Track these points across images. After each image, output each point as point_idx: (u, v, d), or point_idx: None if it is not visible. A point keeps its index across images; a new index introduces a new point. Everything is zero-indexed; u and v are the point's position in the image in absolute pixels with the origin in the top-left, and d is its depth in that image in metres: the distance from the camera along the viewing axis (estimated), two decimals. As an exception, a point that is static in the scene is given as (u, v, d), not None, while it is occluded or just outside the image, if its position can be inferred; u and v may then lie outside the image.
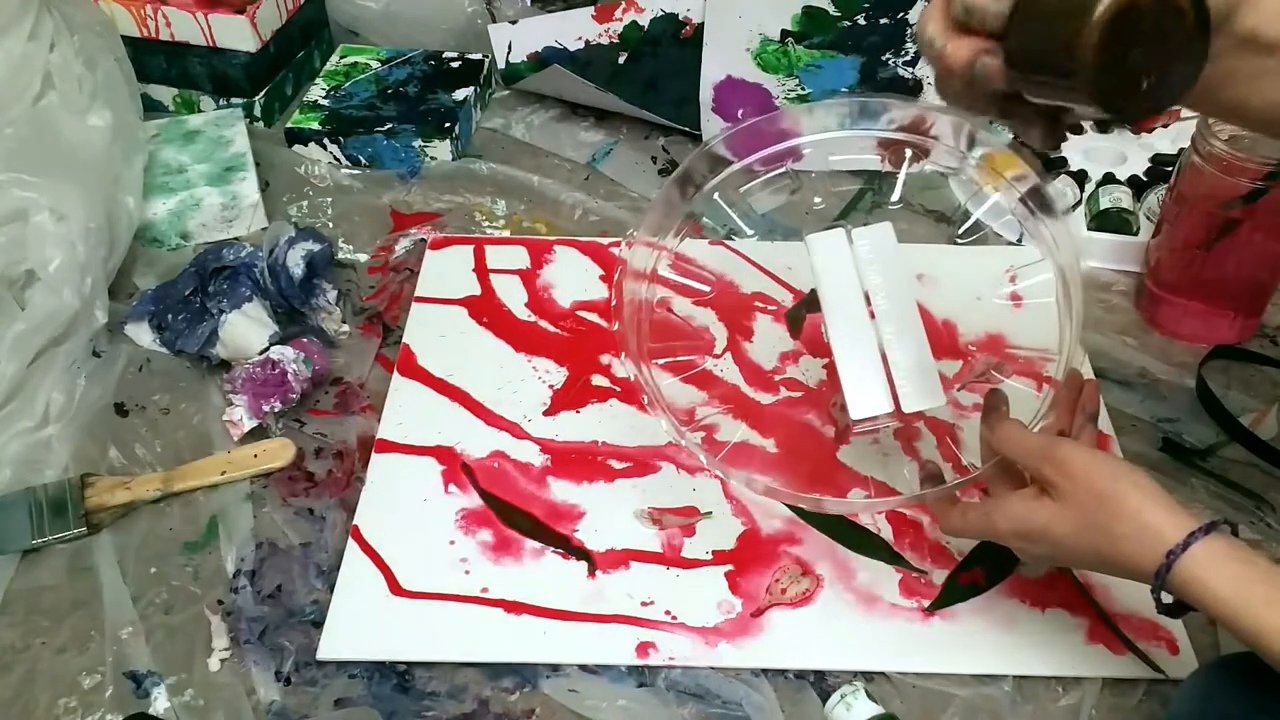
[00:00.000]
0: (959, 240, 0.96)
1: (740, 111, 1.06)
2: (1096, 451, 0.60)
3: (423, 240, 0.98)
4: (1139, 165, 1.02)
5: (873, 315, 0.69)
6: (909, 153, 0.71)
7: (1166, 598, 0.55)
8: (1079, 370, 0.67)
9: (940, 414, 0.81)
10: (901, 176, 0.74)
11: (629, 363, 0.70)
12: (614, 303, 0.70)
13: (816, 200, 1.02)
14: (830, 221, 1.00)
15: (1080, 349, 0.69)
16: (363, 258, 0.97)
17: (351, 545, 0.73)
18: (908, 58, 1.05)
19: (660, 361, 0.80)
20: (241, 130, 1.05)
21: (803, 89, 1.06)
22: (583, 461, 0.79)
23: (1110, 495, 0.56)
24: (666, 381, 0.82)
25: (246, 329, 0.84)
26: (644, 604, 0.70)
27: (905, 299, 0.70)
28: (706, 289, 0.86)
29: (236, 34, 1.07)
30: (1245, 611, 0.52)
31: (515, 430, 0.81)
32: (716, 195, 0.73)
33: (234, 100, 1.11)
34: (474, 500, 0.76)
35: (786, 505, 0.75)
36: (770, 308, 0.90)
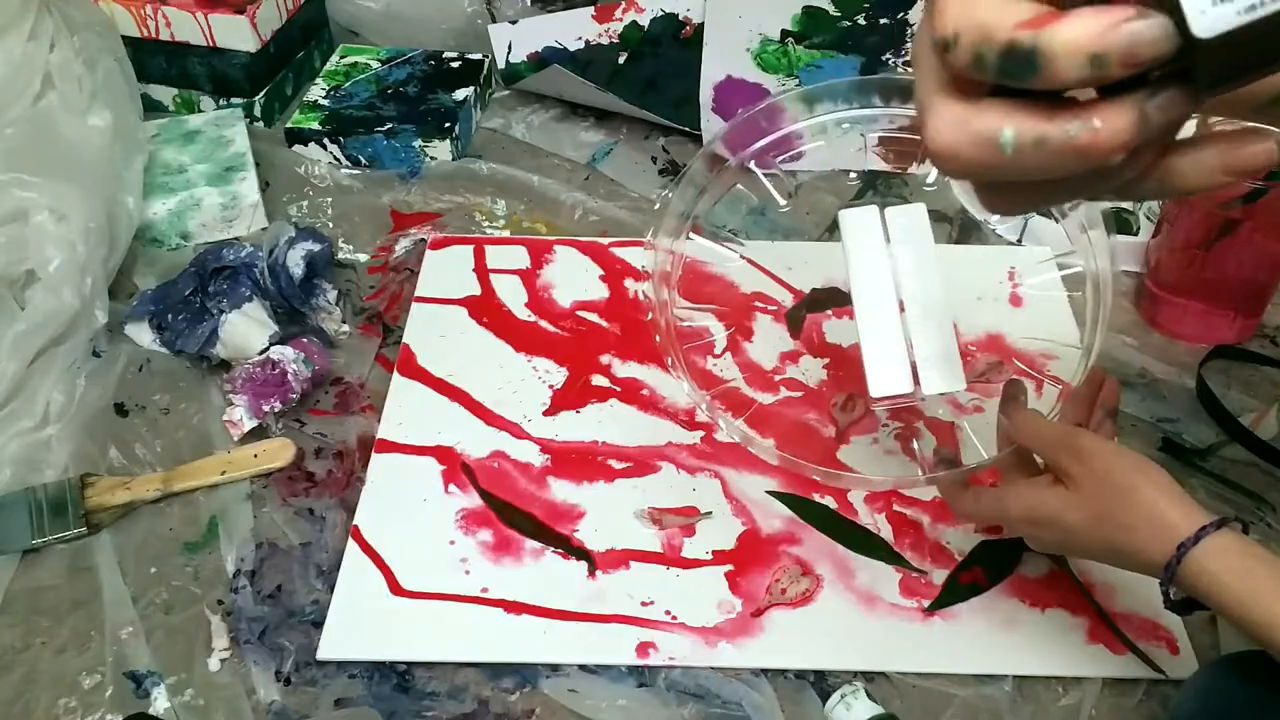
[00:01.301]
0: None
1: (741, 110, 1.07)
2: (1114, 444, 0.61)
3: (423, 240, 0.98)
4: (1139, 165, 1.02)
5: (900, 300, 0.69)
6: None
7: (1175, 594, 0.56)
8: (1101, 367, 0.67)
9: (940, 413, 0.81)
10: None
11: (661, 342, 0.72)
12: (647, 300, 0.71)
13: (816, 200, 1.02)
14: (830, 220, 1.00)
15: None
16: (363, 258, 0.97)
17: (351, 545, 0.73)
18: (908, 58, 1.05)
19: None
20: (241, 130, 1.05)
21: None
22: (583, 461, 0.79)
23: (1125, 487, 0.57)
24: (667, 381, 0.82)
25: (246, 329, 0.84)
26: (644, 604, 0.70)
27: (933, 281, 0.69)
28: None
29: (236, 34, 1.07)
30: (1254, 604, 0.52)
31: (515, 430, 0.81)
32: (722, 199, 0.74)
33: (234, 100, 1.11)
34: (474, 500, 0.76)
35: (786, 505, 0.75)
36: (770, 308, 0.90)
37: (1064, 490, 0.59)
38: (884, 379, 0.67)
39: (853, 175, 1.04)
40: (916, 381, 0.67)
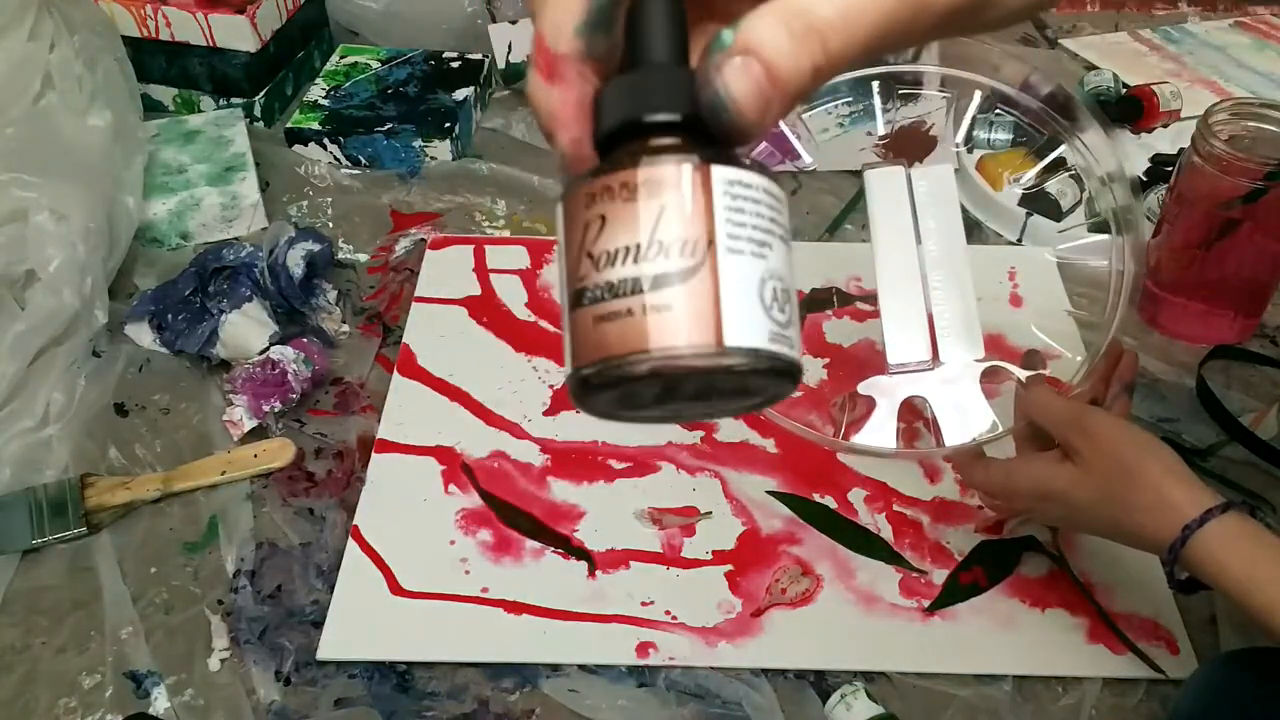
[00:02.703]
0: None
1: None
2: (1124, 422, 0.61)
3: (423, 240, 0.98)
4: (1139, 165, 1.02)
5: (922, 265, 0.68)
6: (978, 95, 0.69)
7: (1179, 574, 0.56)
8: (1119, 341, 0.67)
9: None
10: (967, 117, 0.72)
11: None
12: None
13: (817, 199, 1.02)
14: (830, 220, 1.00)
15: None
16: (363, 258, 0.97)
17: (351, 545, 0.73)
18: (907, 56, 1.05)
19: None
20: (241, 130, 1.05)
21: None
22: (583, 461, 0.79)
23: (1133, 466, 0.57)
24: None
25: (246, 329, 0.84)
26: (644, 604, 0.70)
27: (957, 246, 0.69)
28: None
29: (236, 34, 1.07)
30: (1257, 589, 0.52)
31: (515, 430, 0.81)
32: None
33: (234, 100, 1.11)
34: (474, 500, 0.76)
35: (786, 505, 0.75)
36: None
37: (1072, 467, 0.59)
38: (902, 346, 0.67)
39: (854, 175, 1.03)
40: (935, 350, 0.67)
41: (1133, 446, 0.58)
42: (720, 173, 0.27)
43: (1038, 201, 0.96)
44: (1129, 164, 1.02)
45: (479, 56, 1.15)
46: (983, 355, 0.68)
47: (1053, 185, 0.95)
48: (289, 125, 1.07)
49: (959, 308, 0.67)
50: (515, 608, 0.70)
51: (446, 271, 0.94)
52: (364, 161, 1.07)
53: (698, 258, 0.26)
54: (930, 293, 0.67)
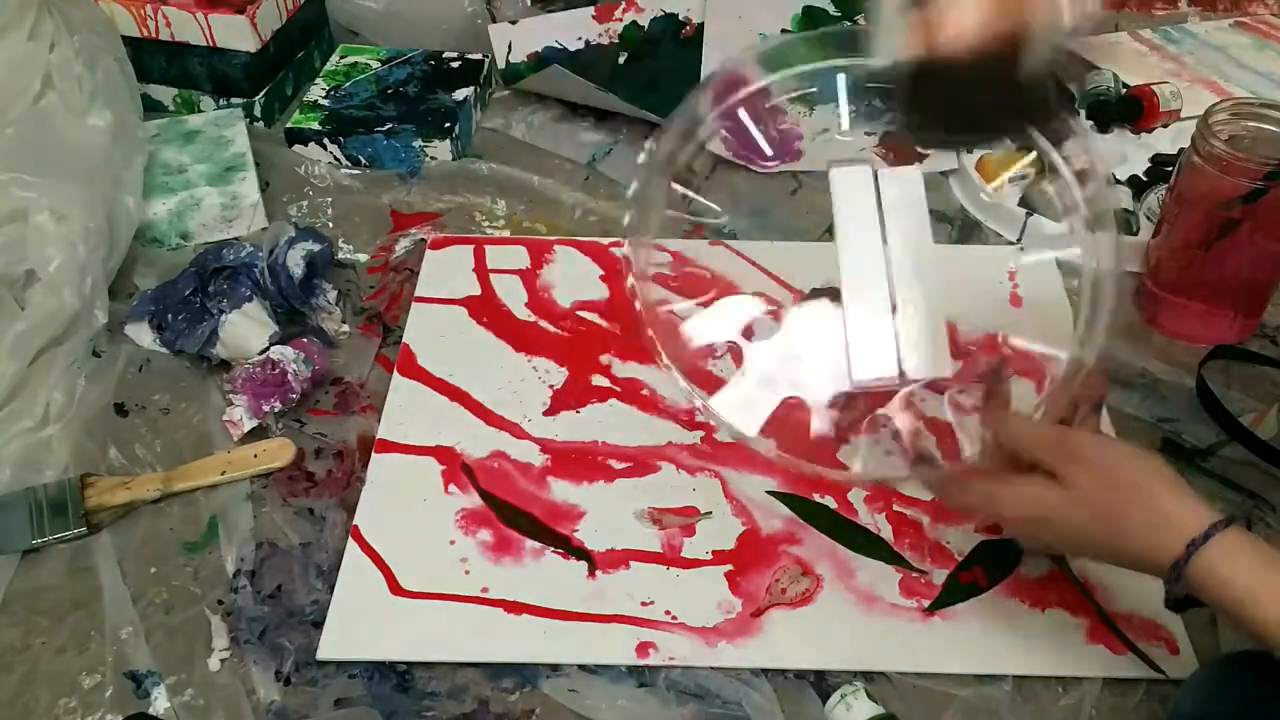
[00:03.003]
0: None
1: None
2: (1110, 439, 0.60)
3: (423, 240, 0.98)
4: (1139, 165, 1.02)
5: (889, 276, 0.66)
6: None
7: (1180, 591, 0.55)
8: (1079, 360, 0.65)
9: (941, 414, 0.80)
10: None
11: (653, 344, 0.68)
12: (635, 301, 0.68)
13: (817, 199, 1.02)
14: (830, 220, 1.00)
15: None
16: (363, 258, 0.97)
17: (351, 545, 0.73)
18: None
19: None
20: (241, 130, 1.05)
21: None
22: (583, 461, 0.79)
23: (1132, 485, 0.56)
24: (667, 380, 0.82)
25: (246, 329, 0.84)
26: (644, 604, 0.70)
27: (925, 254, 0.66)
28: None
29: (236, 34, 1.07)
30: (1260, 604, 0.52)
31: (515, 430, 0.81)
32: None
33: (234, 100, 1.11)
34: (474, 500, 0.76)
35: (786, 505, 0.75)
36: (770, 308, 0.90)
37: (1061, 490, 0.58)
38: (867, 362, 0.65)
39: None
40: (902, 369, 0.65)
41: (1132, 465, 0.57)
42: None
43: (1038, 201, 0.96)
44: (1128, 165, 1.02)
45: (479, 56, 1.15)
46: (952, 374, 0.66)
47: (1052, 185, 0.95)
48: (289, 125, 1.07)
49: (927, 322, 0.65)
50: (515, 608, 0.70)
51: (446, 271, 0.94)
52: (364, 161, 1.07)
53: None
54: (898, 306, 0.65)
